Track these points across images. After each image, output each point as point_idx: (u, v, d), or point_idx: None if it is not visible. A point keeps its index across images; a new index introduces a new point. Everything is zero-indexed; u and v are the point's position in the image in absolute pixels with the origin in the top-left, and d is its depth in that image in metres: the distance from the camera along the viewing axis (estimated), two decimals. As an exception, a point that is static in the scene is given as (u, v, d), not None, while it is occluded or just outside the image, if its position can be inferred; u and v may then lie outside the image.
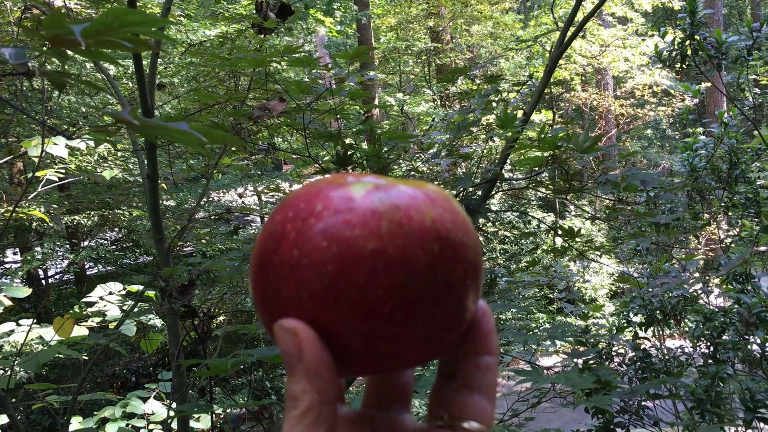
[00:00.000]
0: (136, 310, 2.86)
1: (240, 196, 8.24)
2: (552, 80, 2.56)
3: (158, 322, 4.06)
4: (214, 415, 1.93)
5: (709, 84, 11.10)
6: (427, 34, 13.54)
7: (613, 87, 14.41)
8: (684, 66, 3.27)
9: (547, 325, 3.25)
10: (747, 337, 3.23)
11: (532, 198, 12.47)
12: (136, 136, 2.63)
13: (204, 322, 2.00)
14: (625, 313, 3.83)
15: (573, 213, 13.44)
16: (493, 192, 2.43)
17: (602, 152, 2.01)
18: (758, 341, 3.24)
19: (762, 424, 3.11)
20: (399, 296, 0.36)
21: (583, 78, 14.01)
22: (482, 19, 13.14)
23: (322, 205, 0.38)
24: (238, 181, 9.23)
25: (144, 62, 2.30)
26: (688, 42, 3.36)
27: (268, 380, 8.39)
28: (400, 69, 14.06)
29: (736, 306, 3.43)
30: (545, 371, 2.15)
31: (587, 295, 12.45)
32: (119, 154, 5.98)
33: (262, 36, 2.84)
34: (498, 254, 12.72)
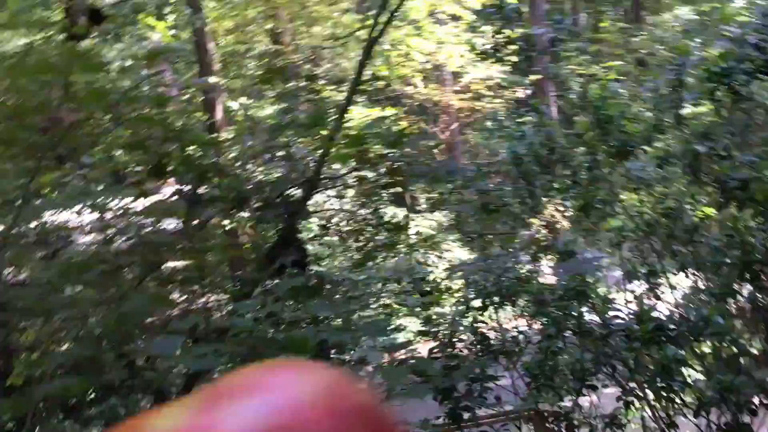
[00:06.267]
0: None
1: (78, 213, 7.70)
2: (395, 77, 2.58)
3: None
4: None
5: (539, 77, 11.86)
6: (268, 36, 13.34)
7: (452, 82, 14.93)
8: (494, 60, 3.43)
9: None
10: (570, 312, 3.45)
11: (384, 194, 12.64)
12: None
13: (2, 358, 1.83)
14: (463, 300, 3.97)
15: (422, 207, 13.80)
16: (346, 189, 2.41)
17: (417, 145, 2.04)
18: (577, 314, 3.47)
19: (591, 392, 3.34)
20: None
21: (425, 75, 14.40)
22: (321, 20, 13.14)
23: None
24: (74, 199, 8.60)
25: None
26: (500, 36, 3.53)
27: (123, 407, 7.94)
28: (242, 73, 13.76)
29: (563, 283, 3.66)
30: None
31: (443, 285, 12.78)
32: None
33: (75, 42, 2.68)
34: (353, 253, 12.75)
